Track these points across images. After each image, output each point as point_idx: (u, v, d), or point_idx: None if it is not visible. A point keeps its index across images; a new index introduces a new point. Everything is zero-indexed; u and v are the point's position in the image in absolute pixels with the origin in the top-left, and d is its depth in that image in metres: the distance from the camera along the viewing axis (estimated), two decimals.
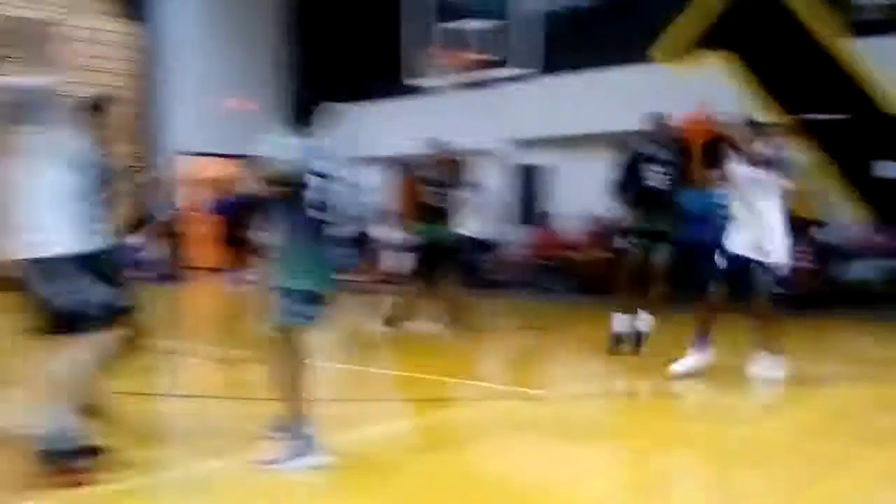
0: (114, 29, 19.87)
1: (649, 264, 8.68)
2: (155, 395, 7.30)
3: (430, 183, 10.61)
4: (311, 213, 4.91)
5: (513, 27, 17.40)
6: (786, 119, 14.58)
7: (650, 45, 15.81)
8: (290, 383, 4.94)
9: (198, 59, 20.53)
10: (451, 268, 10.48)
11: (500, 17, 17.44)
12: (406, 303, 10.57)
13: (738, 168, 7.39)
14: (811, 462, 5.09)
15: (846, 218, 13.95)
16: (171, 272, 18.75)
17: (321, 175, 4.99)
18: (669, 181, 8.72)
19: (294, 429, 4.90)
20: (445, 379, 7.77)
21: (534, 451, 5.45)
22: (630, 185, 8.75)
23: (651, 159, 8.75)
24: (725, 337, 7.83)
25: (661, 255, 8.70)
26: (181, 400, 7.26)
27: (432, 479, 4.79)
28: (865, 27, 13.91)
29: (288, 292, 4.87)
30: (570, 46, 16.63)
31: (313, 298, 4.93)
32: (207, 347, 10.06)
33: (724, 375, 7.89)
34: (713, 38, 15.30)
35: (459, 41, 17.93)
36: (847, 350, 10.50)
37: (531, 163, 17.87)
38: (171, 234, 19.26)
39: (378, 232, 18.30)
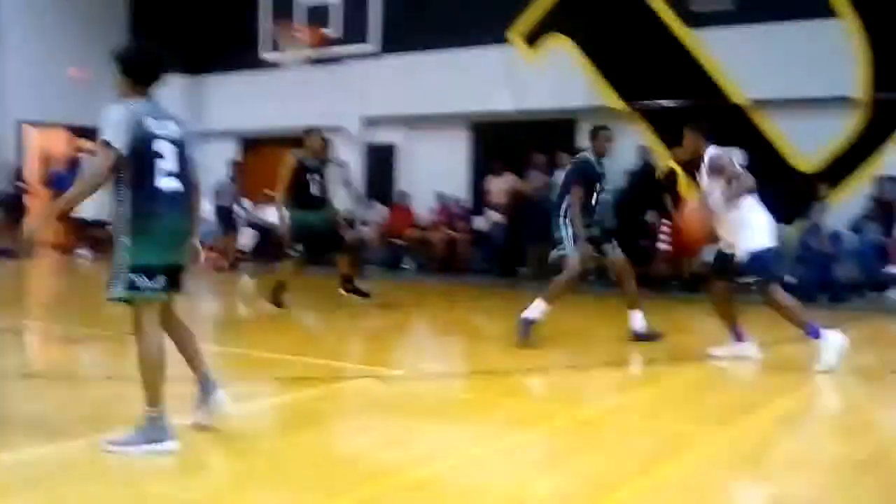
0: None
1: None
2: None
3: (309, 169, 10.59)
4: (162, 182, 4.75)
5: (367, 4, 17.28)
6: (627, 105, 14.96)
7: (505, 26, 15.90)
8: (144, 361, 4.76)
9: (36, 25, 19.58)
10: (337, 250, 10.84)
11: None
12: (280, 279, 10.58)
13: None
14: (654, 440, 5.20)
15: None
16: (11, 248, 17.94)
17: (174, 143, 4.86)
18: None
19: (147, 409, 4.72)
20: (301, 359, 7.68)
21: (388, 429, 5.40)
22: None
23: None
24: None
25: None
26: (21, 380, 6.92)
27: (285, 458, 4.71)
28: (708, 17, 14.31)
29: (130, 265, 4.66)
30: (423, 25, 16.60)
31: (159, 271, 4.74)
32: (49, 325, 9.69)
33: (590, 357, 8.05)
34: (561, 21, 15.51)
35: (312, 16, 17.71)
36: (689, 330, 10.85)
37: (383, 141, 17.78)
38: (12, 208, 18.42)
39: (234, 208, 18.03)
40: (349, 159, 16.53)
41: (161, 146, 4.81)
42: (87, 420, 5.38)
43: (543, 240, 14.82)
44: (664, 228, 13.41)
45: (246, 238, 17.89)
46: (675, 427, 5.51)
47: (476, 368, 7.75)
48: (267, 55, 18.12)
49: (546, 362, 7.71)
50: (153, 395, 4.74)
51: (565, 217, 8.46)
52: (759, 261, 7.24)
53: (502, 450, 4.95)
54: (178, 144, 4.90)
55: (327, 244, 10.86)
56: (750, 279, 7.29)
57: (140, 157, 4.73)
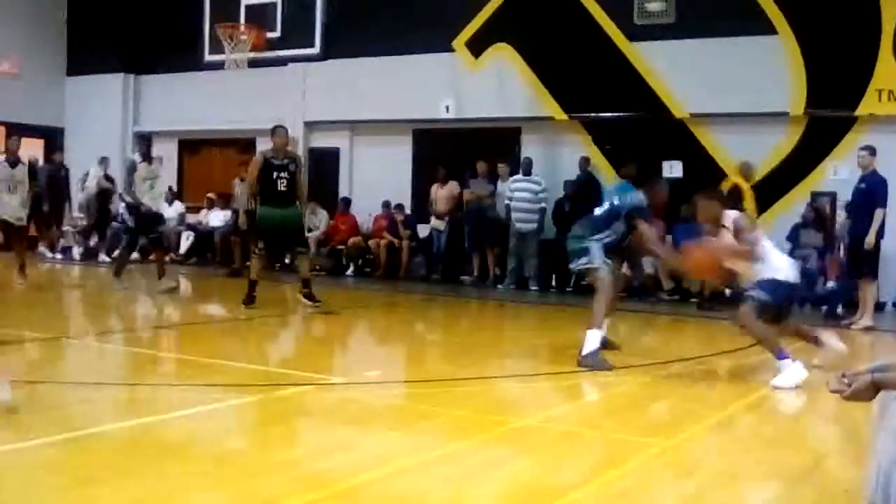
0: None
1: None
2: None
3: (275, 167, 10.68)
4: None
5: (312, 7, 17.22)
6: (569, 116, 15.05)
7: (449, 35, 15.91)
8: None
9: None
10: (298, 248, 11.28)
11: None
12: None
13: None
14: (594, 450, 5.22)
15: None
16: None
17: None
18: None
19: None
20: (241, 365, 7.59)
21: (327, 437, 5.37)
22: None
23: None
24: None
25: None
26: None
27: (223, 464, 4.64)
28: (650, 31, 14.47)
29: None
30: (367, 31, 16.59)
31: None
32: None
33: (534, 367, 8.06)
34: (504, 31, 15.57)
35: (253, 18, 17.60)
36: (626, 340, 10.95)
37: (325, 146, 17.69)
38: None
39: (170, 210, 17.83)
40: None
41: None
42: (9, 425, 5.28)
43: (486, 247, 14.98)
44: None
45: (183, 241, 17.73)
46: (616, 436, 5.53)
47: (417, 377, 7.73)
48: (208, 56, 17.96)
49: (488, 371, 7.73)
50: None
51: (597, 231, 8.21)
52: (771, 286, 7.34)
53: (441, 458, 4.93)
54: None
55: (289, 242, 11.19)
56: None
57: None
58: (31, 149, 20.20)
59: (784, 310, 7.60)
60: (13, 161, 12.52)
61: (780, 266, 7.47)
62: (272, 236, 10.80)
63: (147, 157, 12.36)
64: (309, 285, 10.95)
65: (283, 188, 10.66)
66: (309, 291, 10.88)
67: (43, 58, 20.31)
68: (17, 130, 19.73)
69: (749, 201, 12.85)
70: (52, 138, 20.71)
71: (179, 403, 6.07)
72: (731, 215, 7.71)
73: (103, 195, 17.26)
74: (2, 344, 8.46)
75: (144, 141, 13.63)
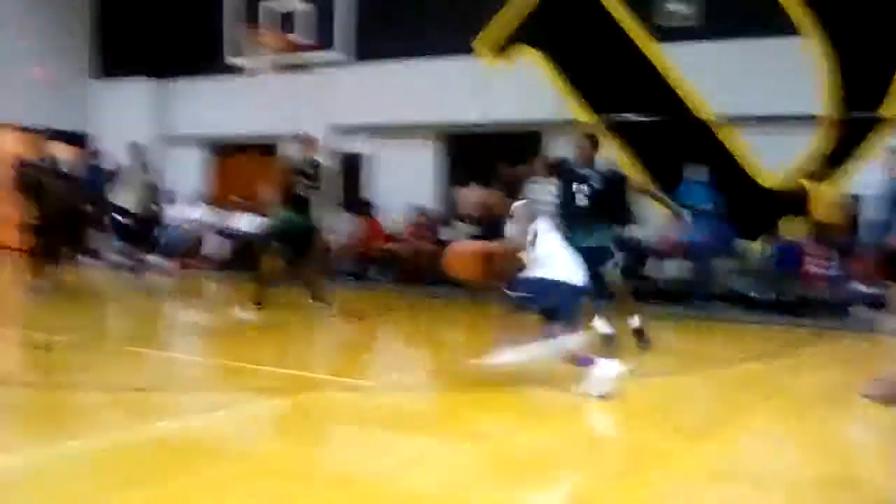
0: None
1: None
2: None
3: (297, 171, 10.76)
4: None
5: (336, 11, 17.27)
6: (595, 119, 15.03)
7: (473, 37, 15.94)
8: None
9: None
10: (309, 254, 10.97)
11: (328, 2, 17.28)
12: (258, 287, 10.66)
13: None
14: (623, 454, 5.23)
15: (657, 218, 14.43)
16: None
17: None
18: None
19: None
20: (269, 369, 7.66)
21: (355, 441, 5.41)
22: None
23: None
24: None
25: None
26: None
27: (252, 468, 4.69)
28: (675, 32, 14.44)
29: None
30: (392, 35, 16.62)
31: None
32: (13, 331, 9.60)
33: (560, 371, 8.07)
34: (529, 34, 15.58)
35: (280, 23, 17.66)
36: (655, 346, 10.92)
37: (353, 151, 17.74)
38: None
39: (197, 214, 18.00)
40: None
41: None
42: (51, 428, 5.35)
43: None
44: None
45: (212, 245, 17.82)
46: (644, 441, 5.54)
47: (444, 380, 7.75)
48: (234, 60, 18.04)
49: (515, 375, 7.73)
50: None
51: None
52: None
53: (469, 463, 4.95)
54: None
55: (305, 246, 11.01)
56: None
57: None
58: (60, 154, 20.46)
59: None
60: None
61: (551, 265, 7.15)
62: (289, 240, 10.77)
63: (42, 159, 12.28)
64: (315, 288, 11.00)
65: (304, 194, 10.73)
66: (315, 293, 10.95)
67: (70, 64, 20.49)
68: (50, 136, 20.01)
69: (819, 203, 12.81)
70: (79, 144, 20.87)
71: (213, 407, 6.13)
72: (516, 204, 7.72)
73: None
74: (41, 348, 8.59)
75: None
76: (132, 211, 11.99)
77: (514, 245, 7.31)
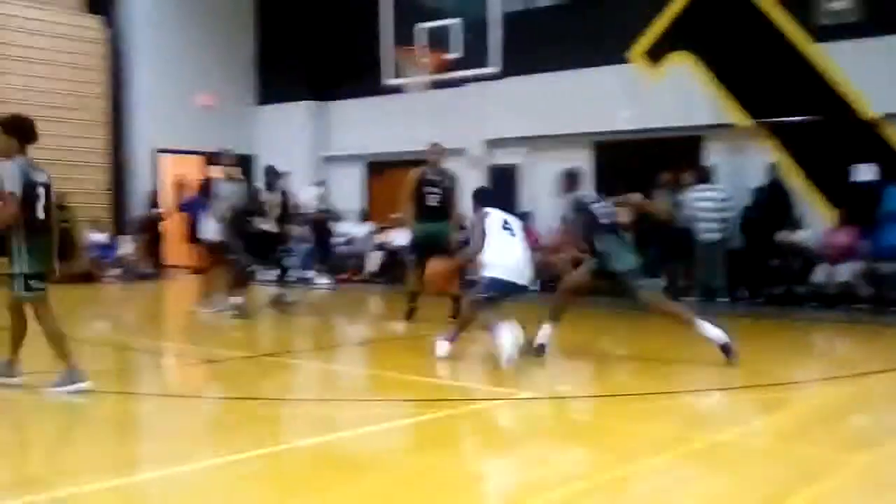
0: (77, 23, 19.69)
1: None
2: (137, 394, 7.25)
3: (427, 182, 11.08)
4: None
5: (487, 26, 17.40)
6: (754, 122, 14.67)
7: (626, 45, 15.82)
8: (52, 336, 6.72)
9: (166, 58, 20.32)
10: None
11: (477, 16, 17.43)
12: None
13: None
14: (789, 467, 5.10)
15: (819, 221, 14.00)
16: (147, 271, 18.77)
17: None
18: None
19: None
20: (432, 380, 7.80)
21: (520, 452, 5.45)
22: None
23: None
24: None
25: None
26: (158, 400, 7.21)
27: (418, 479, 4.78)
28: (834, 30, 13.96)
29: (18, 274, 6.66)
30: (544, 46, 16.66)
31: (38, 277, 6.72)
32: (187, 347, 10.04)
33: (721, 380, 7.95)
34: (684, 39, 15.34)
35: (433, 40, 17.90)
36: (822, 351, 10.61)
37: (505, 163, 17.84)
38: (148, 232, 19.19)
39: (355, 230, 18.43)
40: (472, 181, 16.64)
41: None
42: (221, 439, 5.58)
43: (670, 259, 14.75)
44: None
45: (373, 260, 18.23)
46: (811, 451, 5.39)
47: (606, 391, 7.72)
48: (390, 80, 18.40)
49: (676, 385, 7.66)
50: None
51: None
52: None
53: (633, 474, 4.92)
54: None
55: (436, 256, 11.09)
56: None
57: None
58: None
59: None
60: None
61: (496, 264, 8.38)
62: (423, 250, 10.79)
63: (233, 179, 12.51)
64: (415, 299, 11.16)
65: (434, 203, 10.84)
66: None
67: (235, 90, 21.37)
68: (213, 160, 20.93)
69: None
70: (245, 167, 21.72)
71: (372, 418, 6.27)
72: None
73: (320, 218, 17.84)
74: (210, 363, 8.97)
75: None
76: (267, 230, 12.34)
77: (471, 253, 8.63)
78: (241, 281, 12.15)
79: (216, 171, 13.94)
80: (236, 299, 11.91)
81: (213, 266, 12.71)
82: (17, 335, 6.93)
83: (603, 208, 8.97)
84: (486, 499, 4.46)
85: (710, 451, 5.44)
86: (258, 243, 12.29)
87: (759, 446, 5.60)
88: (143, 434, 6.23)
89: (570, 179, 9.33)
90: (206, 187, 19.84)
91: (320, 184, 17.89)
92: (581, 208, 8.81)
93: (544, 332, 8.70)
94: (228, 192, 12.16)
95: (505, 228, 8.73)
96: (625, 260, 8.62)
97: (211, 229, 12.35)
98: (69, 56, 19.19)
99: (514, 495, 4.53)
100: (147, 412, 6.83)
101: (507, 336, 8.07)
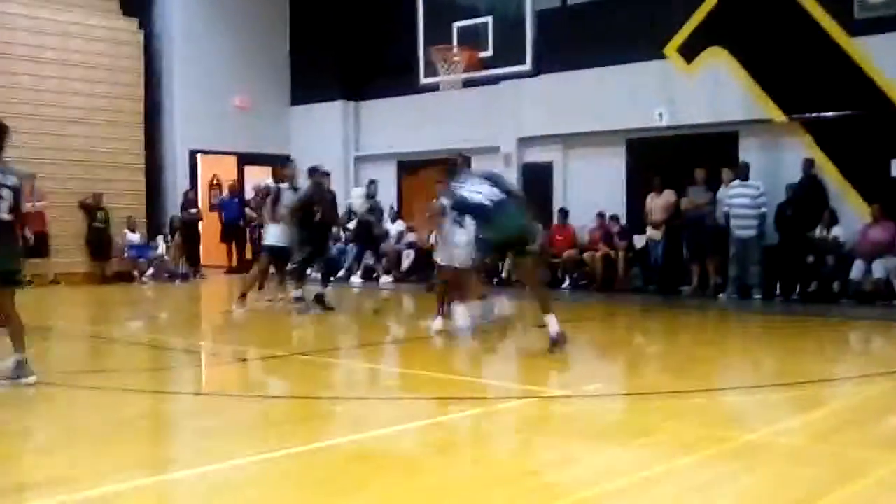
0: (112, 26, 19.87)
1: None
2: (171, 392, 7.32)
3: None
4: None
5: (521, 24, 17.40)
6: (789, 117, 14.53)
7: (660, 42, 15.72)
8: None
9: (202, 61, 20.47)
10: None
11: (510, 14, 17.45)
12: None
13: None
14: (823, 466, 5.05)
15: (855, 217, 13.87)
16: (182, 271, 18.95)
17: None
18: None
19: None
20: (464, 378, 7.83)
21: (551, 450, 5.42)
22: None
23: None
24: None
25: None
26: (194, 398, 7.27)
27: (449, 476, 4.79)
28: (872, 24, 13.80)
29: None
30: (577, 44, 16.63)
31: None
32: (224, 346, 10.10)
33: (754, 377, 7.90)
34: (718, 35, 15.22)
35: (466, 38, 17.92)
36: (857, 349, 10.51)
37: (539, 160, 17.81)
38: (183, 232, 19.36)
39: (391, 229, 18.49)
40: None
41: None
42: (256, 437, 5.61)
43: (705, 256, 14.68)
44: None
45: (404, 259, 18.28)
46: (846, 451, 5.34)
47: (638, 389, 7.68)
48: (423, 79, 18.43)
49: (711, 383, 7.61)
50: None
51: None
52: None
53: (666, 474, 4.90)
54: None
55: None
56: None
57: None
58: (261, 177, 21.51)
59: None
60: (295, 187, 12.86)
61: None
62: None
63: (293, 186, 12.74)
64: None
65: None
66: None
67: (269, 91, 21.51)
68: (247, 160, 21.11)
69: None
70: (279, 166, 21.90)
71: (407, 416, 6.28)
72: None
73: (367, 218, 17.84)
74: (244, 361, 9.02)
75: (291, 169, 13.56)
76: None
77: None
78: (302, 276, 12.85)
79: (271, 177, 14.20)
80: (297, 293, 12.56)
81: (261, 267, 13.05)
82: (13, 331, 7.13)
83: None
84: (521, 497, 4.45)
85: (743, 450, 5.39)
86: (318, 240, 12.74)
87: (794, 445, 5.56)
88: (177, 433, 6.28)
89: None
90: (240, 188, 20.09)
91: (370, 184, 17.90)
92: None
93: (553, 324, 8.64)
94: (290, 199, 12.54)
95: None
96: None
97: (274, 235, 12.57)
98: (105, 58, 19.39)
99: (548, 494, 4.52)
100: (181, 411, 6.88)
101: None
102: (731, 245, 14.29)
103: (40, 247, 16.53)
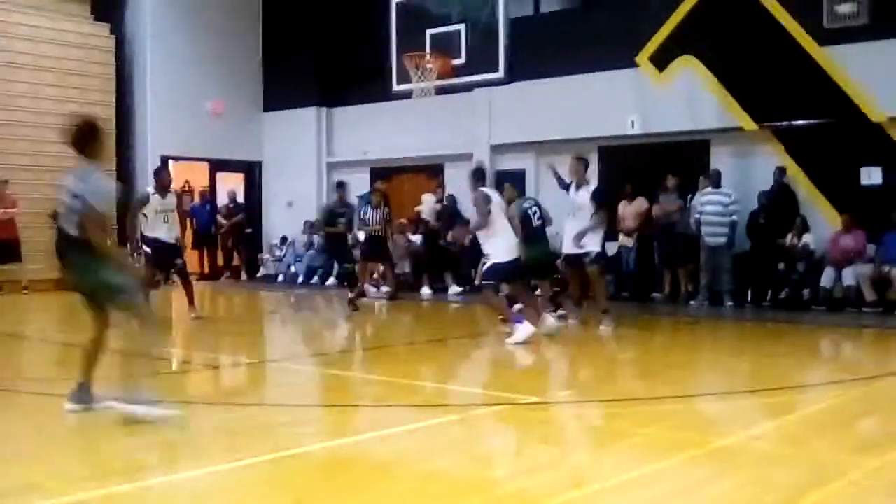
0: (84, 31, 19.75)
1: None
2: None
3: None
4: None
5: (495, 33, 17.42)
6: (760, 126, 14.63)
7: (632, 51, 15.79)
8: None
9: (175, 66, 20.36)
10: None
11: (486, 23, 17.45)
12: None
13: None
14: (797, 470, 5.09)
15: (826, 225, 13.99)
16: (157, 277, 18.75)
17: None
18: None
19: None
20: (439, 385, 7.86)
21: (526, 457, 5.44)
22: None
23: None
24: None
25: None
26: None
27: (425, 483, 4.78)
28: (841, 34, 13.92)
29: None
30: (550, 52, 16.67)
31: None
32: (199, 354, 10.05)
33: (726, 384, 7.93)
34: (690, 44, 15.31)
35: (439, 46, 17.92)
36: (828, 355, 10.60)
37: (512, 168, 17.82)
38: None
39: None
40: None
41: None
42: (227, 445, 5.58)
43: (677, 263, 14.75)
44: None
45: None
46: (820, 455, 5.38)
47: (611, 395, 7.70)
48: (396, 86, 18.42)
49: (684, 389, 7.65)
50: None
51: None
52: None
53: (640, 479, 4.91)
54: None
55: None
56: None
57: None
58: (233, 184, 21.45)
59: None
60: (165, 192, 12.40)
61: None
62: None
63: (162, 190, 12.30)
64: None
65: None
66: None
67: (242, 96, 21.42)
68: (219, 166, 21.04)
69: None
70: (251, 172, 21.88)
71: (381, 424, 6.27)
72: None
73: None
74: (214, 368, 8.98)
75: (163, 172, 13.16)
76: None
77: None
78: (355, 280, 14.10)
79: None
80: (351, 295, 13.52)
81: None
82: None
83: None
84: (495, 503, 4.45)
85: (718, 455, 5.42)
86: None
87: (768, 449, 5.59)
88: (149, 440, 6.23)
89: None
90: (212, 194, 19.99)
91: (439, 187, 17.83)
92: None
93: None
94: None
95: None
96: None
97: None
98: (77, 63, 19.26)
99: (525, 498, 4.52)
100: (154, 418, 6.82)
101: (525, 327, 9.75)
102: (701, 252, 14.36)
103: (12, 253, 16.40)
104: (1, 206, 16.64)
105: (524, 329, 9.75)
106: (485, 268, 10.37)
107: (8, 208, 16.44)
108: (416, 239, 17.79)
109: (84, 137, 6.24)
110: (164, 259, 12.40)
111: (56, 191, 6.89)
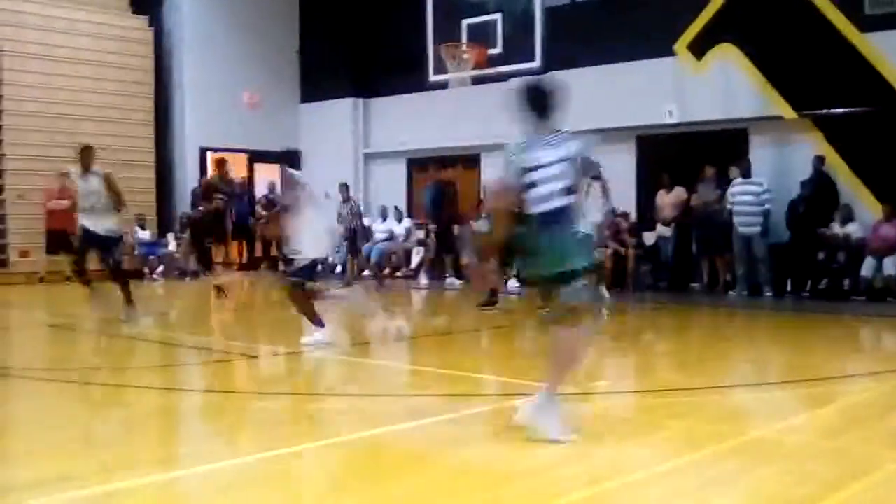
0: (122, 24, 19.93)
1: None
2: (179, 390, 7.33)
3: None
4: None
5: (532, 22, 17.39)
6: (799, 114, 14.47)
7: (670, 39, 15.67)
8: None
9: (211, 58, 20.50)
10: None
11: (522, 12, 17.42)
12: None
13: None
14: (832, 463, 5.04)
15: (866, 215, 13.82)
16: (192, 268, 18.94)
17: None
18: None
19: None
20: (473, 375, 7.88)
21: (558, 448, 5.42)
22: None
23: None
24: None
25: None
26: (204, 395, 7.27)
27: (457, 474, 4.79)
28: (883, 20, 13.73)
29: None
30: (587, 40, 16.57)
31: None
32: (233, 343, 10.12)
33: (762, 375, 7.88)
34: (728, 31, 15.17)
35: (475, 35, 17.91)
36: (867, 346, 10.49)
37: None
38: (196, 230, 19.33)
39: (396, 227, 18.46)
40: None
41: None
42: (261, 435, 5.62)
43: (715, 253, 14.65)
44: None
45: (413, 256, 18.30)
46: (854, 448, 5.33)
47: (647, 386, 7.67)
48: (432, 77, 18.44)
49: (721, 380, 7.60)
50: None
51: None
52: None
53: (674, 470, 4.89)
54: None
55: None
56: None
57: None
58: (270, 175, 21.55)
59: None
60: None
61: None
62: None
63: (85, 171, 10.84)
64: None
65: None
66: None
67: (278, 88, 21.52)
68: (257, 157, 21.15)
69: None
70: (292, 162, 21.93)
71: (416, 413, 6.28)
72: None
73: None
74: (250, 357, 9.04)
75: (86, 150, 11.33)
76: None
77: None
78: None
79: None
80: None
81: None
82: None
83: None
84: (530, 493, 4.45)
85: (751, 447, 5.38)
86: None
87: (802, 442, 5.54)
88: (184, 430, 6.30)
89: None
90: (249, 185, 20.09)
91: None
92: None
93: None
94: None
95: None
96: None
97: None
98: (115, 56, 19.45)
99: (557, 490, 4.52)
100: (189, 408, 6.89)
101: None
102: (734, 242, 14.25)
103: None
104: (62, 198, 16.79)
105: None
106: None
107: (63, 199, 16.60)
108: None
109: None
110: None
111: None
